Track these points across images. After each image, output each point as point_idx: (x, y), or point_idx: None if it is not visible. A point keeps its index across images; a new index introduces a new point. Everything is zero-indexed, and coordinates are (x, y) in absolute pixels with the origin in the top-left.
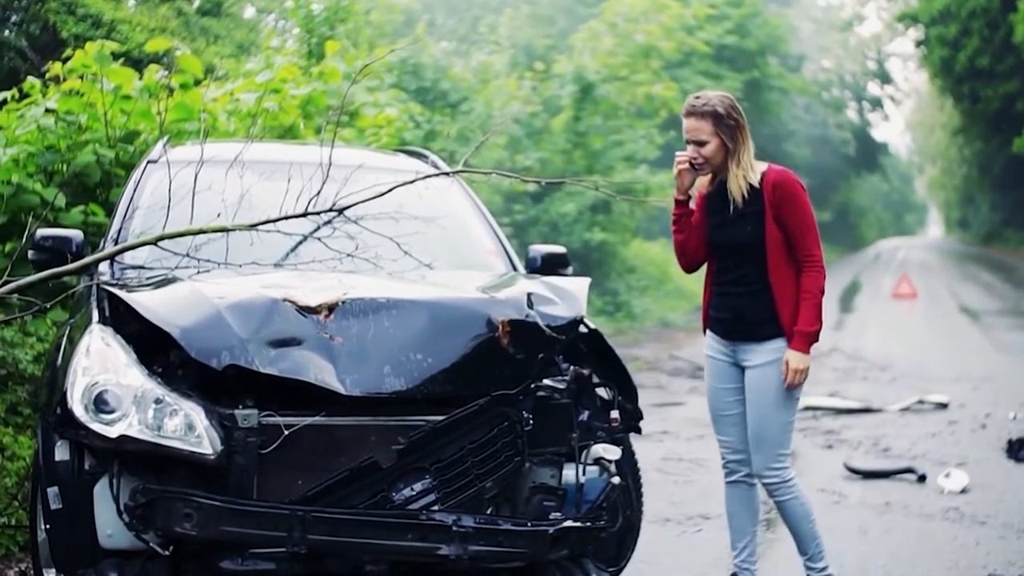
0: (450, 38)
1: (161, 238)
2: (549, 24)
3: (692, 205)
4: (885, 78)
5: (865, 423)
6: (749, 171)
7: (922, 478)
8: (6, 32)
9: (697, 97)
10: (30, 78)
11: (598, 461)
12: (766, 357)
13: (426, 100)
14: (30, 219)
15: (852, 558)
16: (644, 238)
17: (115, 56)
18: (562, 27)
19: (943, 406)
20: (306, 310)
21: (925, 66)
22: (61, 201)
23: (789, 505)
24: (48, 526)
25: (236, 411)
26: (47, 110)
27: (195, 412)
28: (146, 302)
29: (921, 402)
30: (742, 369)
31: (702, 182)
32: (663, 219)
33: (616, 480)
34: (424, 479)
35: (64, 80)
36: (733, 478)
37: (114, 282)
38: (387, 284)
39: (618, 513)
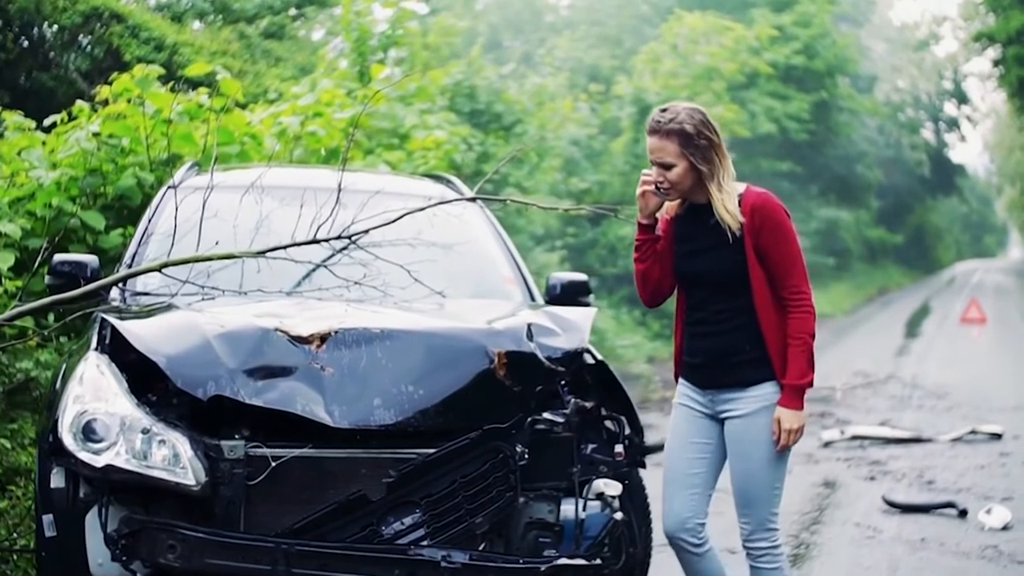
0: (514, 60)
1: (166, 265)
2: (616, 45)
3: (659, 230)
4: (962, 98)
5: (913, 454)
6: (734, 194)
7: (963, 513)
8: (71, 56)
9: (663, 111)
10: (79, 101)
11: (600, 496)
12: (752, 405)
13: (480, 122)
14: (44, 242)
15: None
16: None
17: (175, 79)
18: (628, 47)
19: (997, 437)
20: (298, 340)
21: (1003, 86)
22: (100, 224)
23: None
24: (43, 553)
25: (223, 442)
26: (92, 133)
27: (180, 442)
28: (136, 330)
29: (974, 432)
30: (719, 422)
31: (670, 205)
32: None
33: (619, 516)
34: (414, 513)
35: (109, 103)
36: (684, 549)
37: (112, 309)
38: (383, 314)
39: (621, 550)
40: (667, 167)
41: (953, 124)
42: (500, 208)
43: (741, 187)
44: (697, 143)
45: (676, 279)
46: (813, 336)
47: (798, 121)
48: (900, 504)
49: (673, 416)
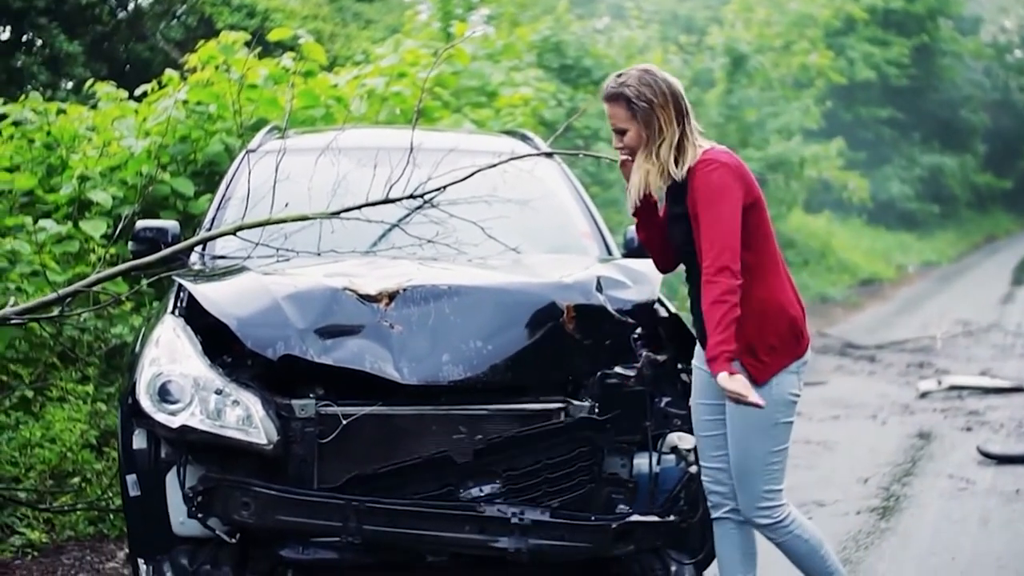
0: (605, 13)
1: (240, 228)
2: None
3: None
4: None
5: (1014, 404)
6: (669, 165)
7: None
8: (165, 26)
9: (618, 76)
10: (168, 70)
11: (674, 450)
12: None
13: (569, 78)
14: (131, 210)
15: (966, 550)
16: (807, 211)
17: (266, 45)
18: None
19: None
20: (366, 298)
21: None
22: (190, 190)
23: (789, 545)
24: (127, 512)
25: (294, 401)
26: (180, 101)
27: (252, 402)
28: (208, 293)
29: None
30: None
31: None
32: (828, 192)
33: (694, 469)
34: (494, 483)
35: (197, 71)
36: (718, 514)
37: (190, 272)
38: (452, 270)
39: (698, 504)
40: (622, 132)
41: None
42: (593, 162)
43: (702, 149)
44: (637, 105)
45: None
46: (721, 301)
47: (898, 66)
48: (996, 455)
49: (692, 377)
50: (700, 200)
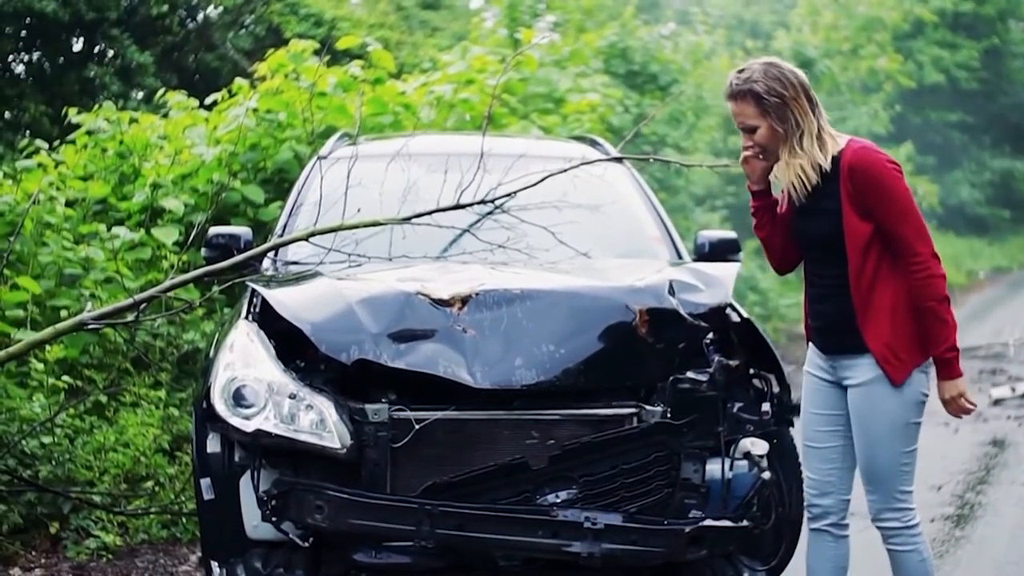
0: (671, 18)
1: (313, 234)
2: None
3: (779, 195)
4: None
5: None
6: (815, 155)
7: None
8: (234, 35)
9: (740, 72)
10: (238, 78)
11: (747, 455)
12: (868, 373)
13: (635, 84)
14: (204, 216)
15: None
16: None
17: (333, 53)
18: (789, 2)
19: None
20: (439, 303)
21: None
22: (260, 197)
23: (906, 559)
24: (201, 516)
25: (367, 406)
26: (251, 110)
27: (325, 407)
28: (282, 298)
29: None
30: (844, 390)
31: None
32: None
33: (767, 475)
34: (571, 489)
35: (267, 79)
36: (816, 525)
37: (263, 278)
38: (524, 275)
39: (770, 510)
40: (751, 130)
41: None
42: (660, 168)
43: (842, 141)
44: (769, 101)
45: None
46: (940, 300)
47: (968, 70)
48: None
49: (804, 384)
50: (878, 193)
